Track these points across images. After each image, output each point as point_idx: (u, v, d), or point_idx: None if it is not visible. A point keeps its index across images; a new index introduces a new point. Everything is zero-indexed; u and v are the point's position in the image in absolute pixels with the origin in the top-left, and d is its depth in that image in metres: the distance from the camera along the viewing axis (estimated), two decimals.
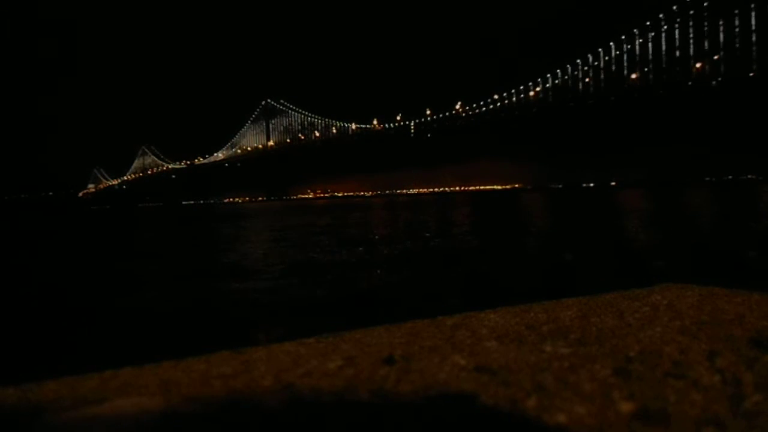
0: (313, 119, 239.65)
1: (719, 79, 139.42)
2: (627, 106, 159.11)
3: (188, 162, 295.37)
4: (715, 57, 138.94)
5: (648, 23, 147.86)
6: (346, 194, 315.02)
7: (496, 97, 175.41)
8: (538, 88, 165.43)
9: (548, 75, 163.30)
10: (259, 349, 1.10)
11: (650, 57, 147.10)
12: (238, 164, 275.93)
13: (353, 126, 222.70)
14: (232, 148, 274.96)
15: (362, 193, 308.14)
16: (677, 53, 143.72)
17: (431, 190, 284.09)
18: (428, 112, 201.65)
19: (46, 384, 0.93)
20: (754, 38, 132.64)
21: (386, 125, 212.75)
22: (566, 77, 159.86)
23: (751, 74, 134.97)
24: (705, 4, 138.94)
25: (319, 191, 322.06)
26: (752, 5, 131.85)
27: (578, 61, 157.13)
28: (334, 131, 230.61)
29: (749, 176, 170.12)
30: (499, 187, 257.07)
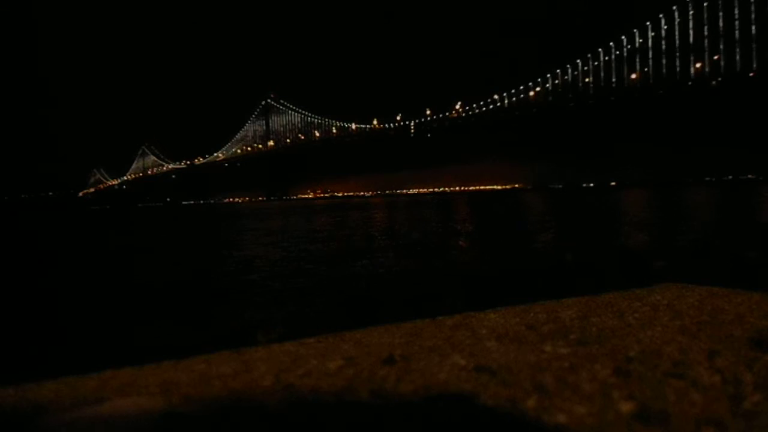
0: (313, 119, 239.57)
1: (719, 79, 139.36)
2: (627, 106, 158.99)
3: (188, 162, 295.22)
4: (715, 57, 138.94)
5: (648, 23, 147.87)
6: (346, 194, 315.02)
7: (496, 97, 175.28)
8: (538, 88, 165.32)
9: (548, 75, 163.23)
10: (259, 349, 1.10)
11: (650, 57, 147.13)
12: (238, 164, 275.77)
13: (353, 126, 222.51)
14: (232, 148, 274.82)
15: (362, 193, 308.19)
16: (677, 53, 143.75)
17: (431, 190, 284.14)
18: (428, 112, 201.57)
19: (46, 384, 0.93)
20: (754, 38, 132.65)
21: (386, 125, 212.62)
22: (566, 77, 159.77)
23: (751, 74, 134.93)
24: (705, 4, 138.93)
25: (319, 191, 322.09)
26: (752, 5, 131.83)
27: (578, 61, 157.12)
28: (334, 131, 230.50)
29: (749, 176, 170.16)
30: (499, 187, 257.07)
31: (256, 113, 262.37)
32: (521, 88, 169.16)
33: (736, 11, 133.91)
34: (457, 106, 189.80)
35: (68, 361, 4.41)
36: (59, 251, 18.70)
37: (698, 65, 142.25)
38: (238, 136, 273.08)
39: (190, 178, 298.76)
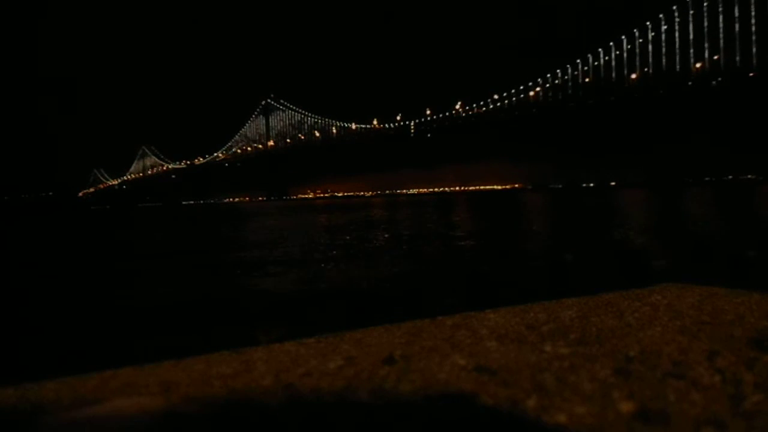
0: (313, 119, 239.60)
1: (719, 79, 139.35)
2: (627, 106, 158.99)
3: (188, 162, 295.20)
4: (715, 57, 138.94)
5: (648, 23, 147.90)
6: (346, 194, 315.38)
7: (496, 97, 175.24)
8: (538, 88, 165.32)
9: (548, 75, 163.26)
10: (259, 349, 1.11)
11: (650, 57, 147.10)
12: (238, 164, 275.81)
13: (353, 126, 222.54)
14: (232, 148, 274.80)
15: (362, 193, 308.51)
16: (677, 53, 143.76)
17: (431, 190, 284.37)
18: (428, 112, 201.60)
19: (46, 384, 0.93)
20: (754, 38, 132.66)
21: (386, 125, 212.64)
22: (566, 77, 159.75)
23: (751, 74, 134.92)
24: (705, 4, 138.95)
25: (319, 191, 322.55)
26: (752, 5, 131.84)
27: (578, 61, 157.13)
28: (334, 131, 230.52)
29: (749, 176, 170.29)
30: (499, 187, 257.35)
31: (256, 113, 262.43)
32: (521, 88, 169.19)
33: (736, 11, 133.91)
34: (457, 106, 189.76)
35: (68, 361, 4.41)
36: (59, 252, 18.70)
37: (698, 65, 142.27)
38: (238, 136, 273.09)
39: (190, 178, 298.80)
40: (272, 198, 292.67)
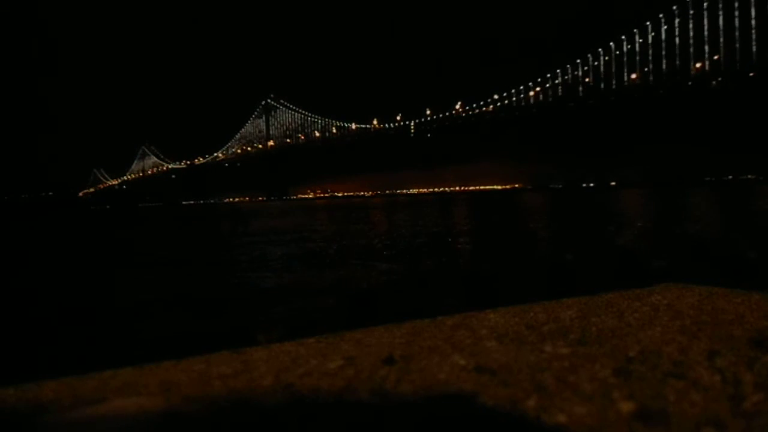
0: (313, 119, 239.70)
1: (719, 79, 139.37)
2: (627, 106, 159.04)
3: (188, 162, 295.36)
4: (715, 57, 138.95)
5: (648, 23, 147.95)
6: (346, 194, 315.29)
7: (496, 97, 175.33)
8: (538, 88, 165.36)
9: (548, 75, 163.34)
10: (259, 349, 1.11)
11: (650, 57, 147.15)
12: (238, 164, 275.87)
13: (353, 126, 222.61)
14: (232, 148, 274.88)
15: (362, 193, 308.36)
16: (677, 53, 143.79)
17: (431, 190, 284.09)
18: (428, 112, 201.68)
19: (46, 384, 0.93)
20: (754, 38, 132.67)
21: (386, 125, 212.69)
22: (566, 77, 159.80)
23: (751, 74, 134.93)
24: (705, 4, 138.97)
25: (319, 191, 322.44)
26: (752, 5, 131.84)
27: (578, 61, 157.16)
28: (334, 131, 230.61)
29: (749, 176, 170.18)
30: (499, 187, 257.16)
31: (256, 113, 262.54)
32: (521, 88, 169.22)
33: (737, 11, 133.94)
34: (457, 106, 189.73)
35: (68, 361, 4.41)
36: (59, 252, 18.70)
37: (698, 65, 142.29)
38: (238, 136, 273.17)
39: (190, 178, 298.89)
40: (272, 198, 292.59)
